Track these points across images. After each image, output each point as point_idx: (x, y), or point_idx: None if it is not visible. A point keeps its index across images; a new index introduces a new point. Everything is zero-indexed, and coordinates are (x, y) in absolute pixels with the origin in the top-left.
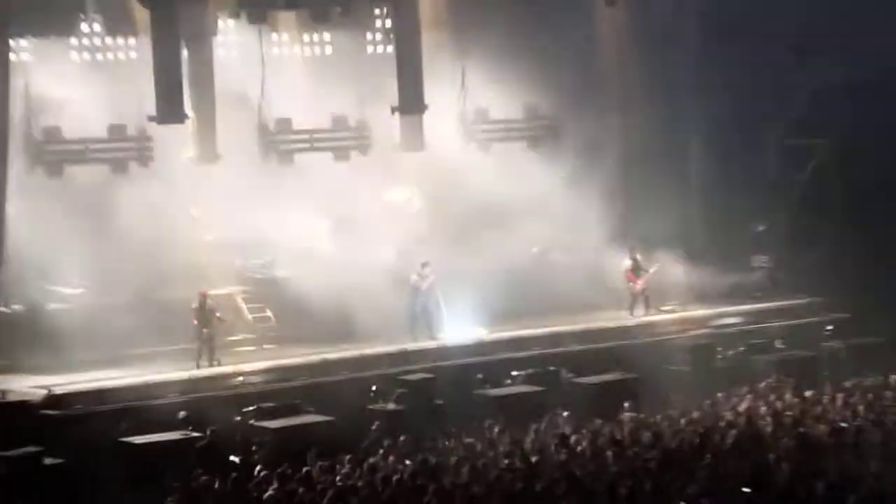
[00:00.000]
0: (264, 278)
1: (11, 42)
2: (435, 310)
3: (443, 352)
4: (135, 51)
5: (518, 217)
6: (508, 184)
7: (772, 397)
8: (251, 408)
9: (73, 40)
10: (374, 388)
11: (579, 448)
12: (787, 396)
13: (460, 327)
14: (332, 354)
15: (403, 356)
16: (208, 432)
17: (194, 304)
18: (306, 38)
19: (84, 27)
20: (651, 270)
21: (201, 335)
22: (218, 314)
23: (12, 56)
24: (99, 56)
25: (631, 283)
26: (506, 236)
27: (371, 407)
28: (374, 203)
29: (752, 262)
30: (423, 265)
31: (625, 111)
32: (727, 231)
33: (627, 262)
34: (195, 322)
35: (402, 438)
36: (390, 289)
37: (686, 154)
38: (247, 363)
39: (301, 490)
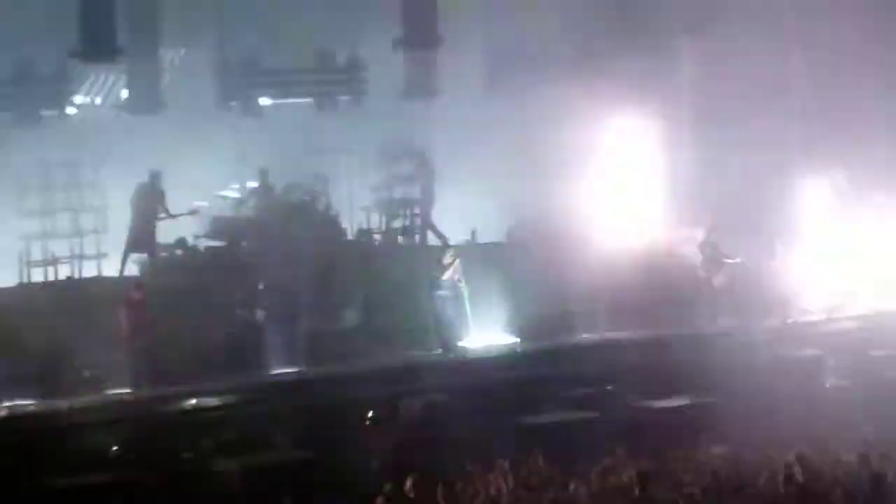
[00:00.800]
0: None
1: None
2: (456, 311)
3: (462, 366)
4: None
5: (562, 185)
6: (549, 140)
7: None
8: (207, 440)
9: None
10: (370, 413)
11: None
12: None
13: (485, 334)
14: (318, 369)
15: (410, 372)
16: (150, 473)
17: (125, 301)
18: None
19: None
20: (732, 261)
21: (135, 344)
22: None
23: None
24: None
25: (709, 277)
26: (546, 212)
27: (366, 439)
28: (372, 167)
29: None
30: (442, 251)
31: (697, 40)
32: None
33: (704, 248)
34: (126, 325)
35: (407, 481)
36: (395, 280)
37: (785, 92)
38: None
39: None
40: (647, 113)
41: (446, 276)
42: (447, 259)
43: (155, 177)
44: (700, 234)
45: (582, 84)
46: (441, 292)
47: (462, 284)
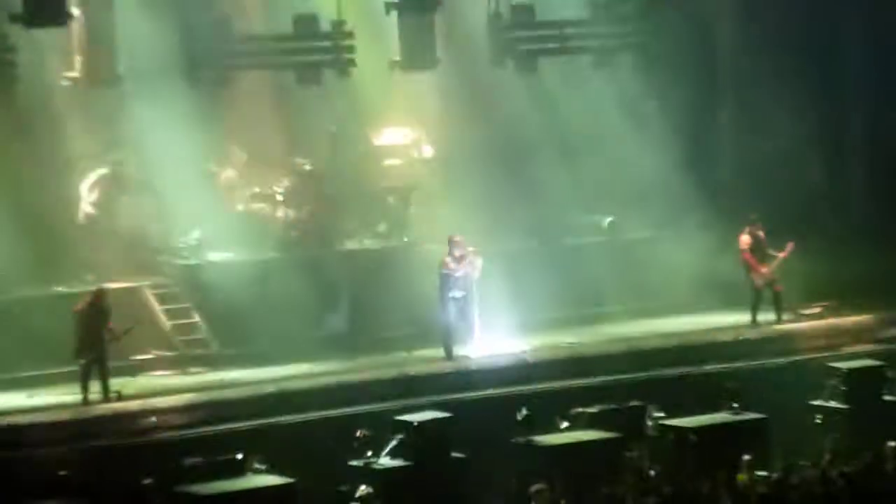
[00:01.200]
0: (189, 265)
1: None
2: (466, 314)
3: (465, 378)
4: None
5: (578, 169)
6: (563, 118)
7: None
8: (170, 465)
9: None
10: (360, 433)
11: None
12: None
13: (492, 340)
14: (296, 382)
15: (405, 384)
16: (105, 500)
17: (80, 306)
18: None
19: None
20: (781, 255)
21: (88, 353)
22: (110, 325)
23: None
24: None
25: (752, 273)
26: (560, 200)
27: (355, 463)
28: (360, 148)
29: None
30: (454, 243)
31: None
32: None
33: (745, 239)
34: (81, 333)
35: None
36: (391, 278)
37: (838, 61)
38: (163, 395)
39: None
40: (677, 81)
41: (460, 272)
42: (456, 248)
43: (118, 165)
44: (742, 226)
45: (601, 51)
46: (455, 293)
47: (476, 278)
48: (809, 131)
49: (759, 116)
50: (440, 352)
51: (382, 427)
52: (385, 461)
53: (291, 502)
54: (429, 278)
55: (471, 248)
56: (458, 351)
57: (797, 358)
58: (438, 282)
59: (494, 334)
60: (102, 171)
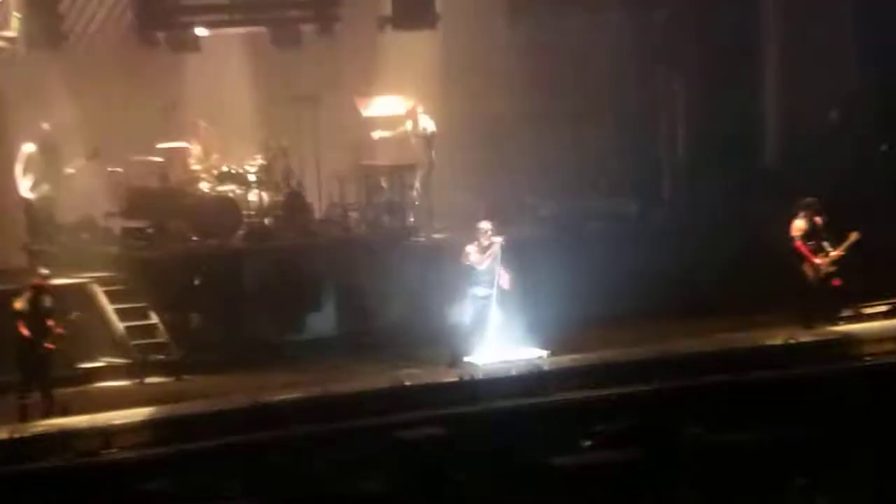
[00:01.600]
0: (145, 257)
1: None
2: (483, 317)
3: (469, 388)
4: None
5: (601, 145)
6: (584, 85)
7: None
8: (126, 491)
9: None
10: (350, 452)
11: None
12: None
13: (502, 344)
14: (272, 393)
15: (400, 396)
16: None
17: (19, 304)
18: None
19: None
20: (836, 252)
21: (29, 359)
22: (50, 323)
23: None
24: None
25: (805, 264)
26: (580, 181)
27: (340, 487)
28: (347, 121)
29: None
30: (479, 231)
31: None
32: None
33: (799, 225)
34: (23, 334)
35: None
36: (383, 271)
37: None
38: (116, 410)
39: None
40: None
41: (484, 264)
42: (483, 237)
43: (48, 138)
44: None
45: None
46: (477, 291)
47: (500, 279)
48: (866, 98)
49: (808, 82)
50: (441, 357)
51: (372, 445)
52: (374, 485)
53: None
54: (428, 272)
55: (497, 239)
56: (465, 358)
57: (859, 364)
58: (461, 276)
59: (505, 337)
60: (32, 147)
